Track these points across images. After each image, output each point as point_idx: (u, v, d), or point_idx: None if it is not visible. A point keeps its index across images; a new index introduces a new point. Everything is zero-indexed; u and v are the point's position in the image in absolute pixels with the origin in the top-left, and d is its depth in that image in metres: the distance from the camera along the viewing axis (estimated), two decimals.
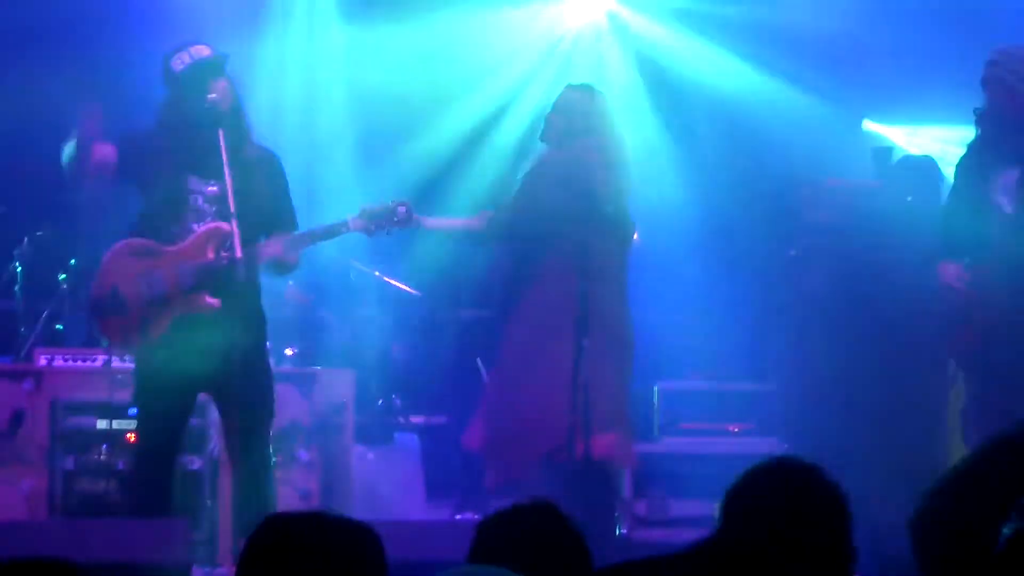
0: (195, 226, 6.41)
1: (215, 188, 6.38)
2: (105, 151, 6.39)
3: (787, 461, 3.08)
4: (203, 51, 6.45)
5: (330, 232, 6.56)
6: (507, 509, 3.10)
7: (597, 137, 7.05)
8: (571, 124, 7.08)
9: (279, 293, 9.12)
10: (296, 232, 6.50)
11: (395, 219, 6.61)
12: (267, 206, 6.45)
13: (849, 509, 3.03)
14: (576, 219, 6.88)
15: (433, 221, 7.01)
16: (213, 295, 6.31)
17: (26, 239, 9.16)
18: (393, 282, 9.90)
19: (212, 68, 6.42)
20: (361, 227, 6.55)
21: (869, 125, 10.80)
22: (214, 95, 6.33)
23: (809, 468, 3.06)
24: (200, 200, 6.42)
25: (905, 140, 10.71)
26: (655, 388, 8.70)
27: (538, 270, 7.01)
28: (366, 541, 2.71)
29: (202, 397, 6.71)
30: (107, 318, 6.43)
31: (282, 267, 6.54)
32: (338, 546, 2.66)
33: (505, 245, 7.29)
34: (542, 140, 7.20)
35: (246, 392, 6.20)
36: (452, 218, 7.20)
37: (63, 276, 9.00)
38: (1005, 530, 2.86)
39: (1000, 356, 6.85)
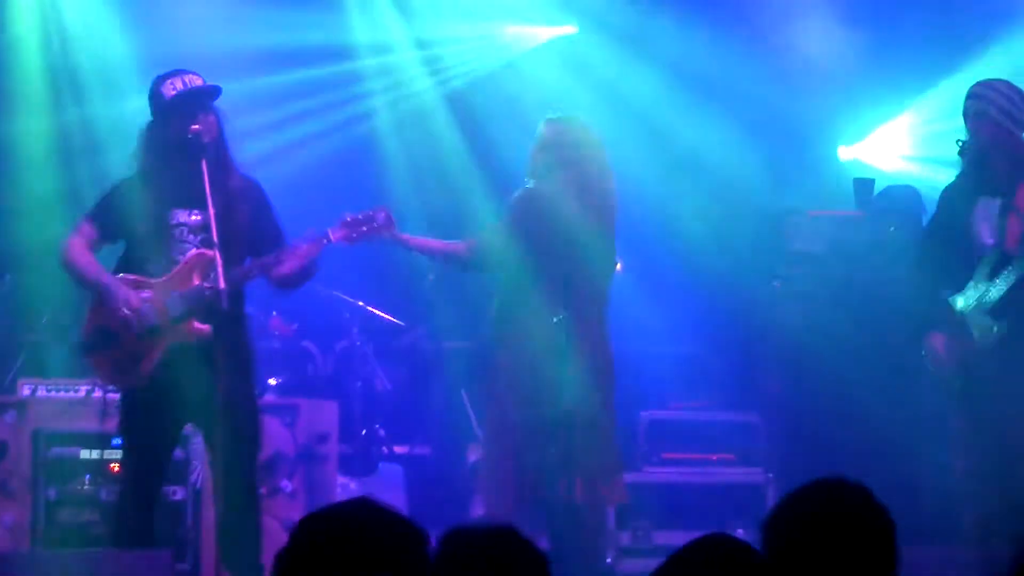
0: (180, 258, 6.41)
1: (198, 217, 6.37)
2: (86, 250, 6.46)
3: (835, 483, 3.02)
4: (196, 80, 6.44)
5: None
6: (469, 527, 3.05)
7: (577, 169, 7.05)
8: (552, 157, 7.08)
9: (263, 324, 9.12)
10: (278, 250, 6.46)
11: (375, 224, 6.57)
12: (251, 234, 6.43)
13: (895, 533, 2.97)
14: (558, 252, 6.89)
15: (414, 240, 7.00)
16: (202, 321, 6.31)
17: (7, 274, 9.18)
18: (377, 312, 9.90)
19: (202, 99, 6.42)
20: (342, 237, 6.50)
21: (844, 151, 10.83)
22: (197, 127, 6.33)
23: (858, 489, 3.00)
24: (185, 232, 6.41)
25: (878, 152, 10.76)
26: (639, 418, 8.71)
27: (521, 300, 7.02)
28: (409, 534, 2.66)
29: (187, 428, 6.71)
30: (99, 354, 6.43)
31: (302, 278, 6.53)
32: (382, 539, 2.61)
33: (489, 273, 7.30)
34: (527, 175, 7.20)
35: (232, 424, 6.18)
36: (433, 239, 7.18)
37: (46, 307, 9.00)
38: None
39: (986, 382, 6.89)
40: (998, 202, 6.93)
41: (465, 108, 10.61)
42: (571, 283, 6.83)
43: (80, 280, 6.49)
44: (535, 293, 6.96)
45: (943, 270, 7.10)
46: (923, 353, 7.04)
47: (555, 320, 6.75)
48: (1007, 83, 7.00)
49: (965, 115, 6.96)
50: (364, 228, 6.53)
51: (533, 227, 6.95)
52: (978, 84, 7.02)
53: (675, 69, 10.50)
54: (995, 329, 6.86)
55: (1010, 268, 6.84)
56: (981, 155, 6.93)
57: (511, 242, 6.99)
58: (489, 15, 10.79)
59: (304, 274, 6.53)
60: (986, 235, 6.94)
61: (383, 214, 6.57)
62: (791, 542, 2.93)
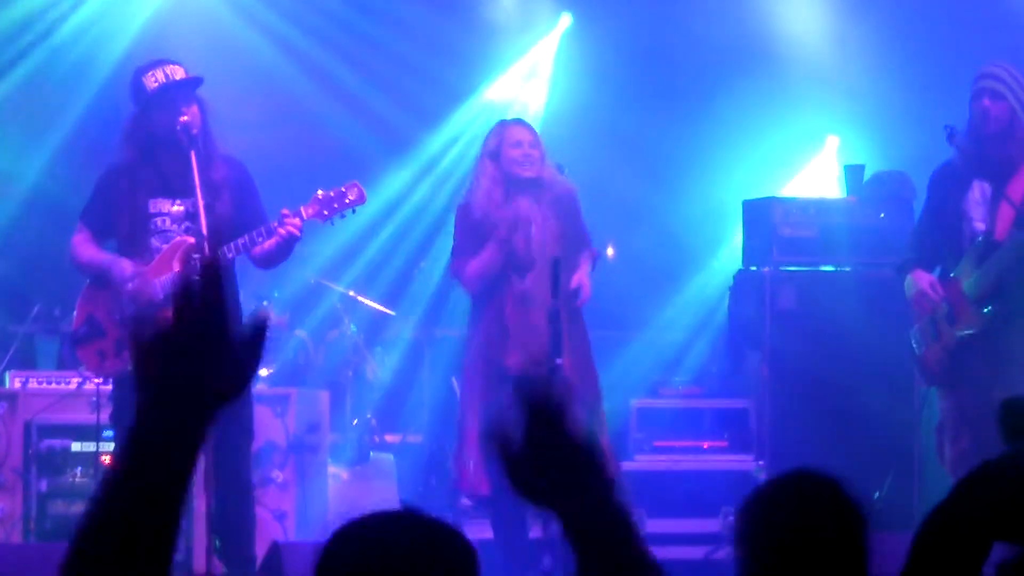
0: (164, 247, 6.40)
1: (181, 207, 6.36)
2: (87, 243, 6.49)
3: (804, 475, 2.93)
4: (177, 71, 6.41)
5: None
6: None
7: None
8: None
9: (253, 314, 9.11)
10: (254, 231, 6.41)
11: (347, 200, 6.52)
12: (234, 223, 6.38)
13: (868, 525, 2.84)
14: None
15: None
16: None
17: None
18: (367, 301, 9.90)
19: (185, 91, 6.40)
20: (314, 214, 6.44)
21: (833, 140, 10.82)
22: (186, 119, 6.30)
23: (827, 482, 2.92)
24: (167, 221, 6.40)
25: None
26: (629, 406, 8.70)
27: (512, 290, 7.03)
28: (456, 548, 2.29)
29: None
30: (85, 346, 6.43)
31: (279, 255, 6.50)
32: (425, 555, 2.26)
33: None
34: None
35: (225, 413, 6.15)
36: None
37: (36, 298, 8.99)
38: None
39: (972, 369, 6.89)
40: (989, 186, 6.92)
41: None
42: (558, 270, 6.85)
43: (87, 270, 6.51)
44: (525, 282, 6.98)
45: (936, 256, 7.12)
46: (906, 296, 7.07)
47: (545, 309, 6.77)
48: (1012, 64, 6.99)
49: (978, 94, 6.91)
50: (336, 204, 6.48)
51: None
52: (993, 64, 6.98)
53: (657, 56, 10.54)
54: (982, 316, 6.87)
55: (998, 255, 6.84)
56: (975, 137, 6.92)
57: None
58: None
59: (280, 252, 6.48)
60: (978, 220, 6.94)
61: (356, 188, 6.53)
62: (760, 538, 2.87)
